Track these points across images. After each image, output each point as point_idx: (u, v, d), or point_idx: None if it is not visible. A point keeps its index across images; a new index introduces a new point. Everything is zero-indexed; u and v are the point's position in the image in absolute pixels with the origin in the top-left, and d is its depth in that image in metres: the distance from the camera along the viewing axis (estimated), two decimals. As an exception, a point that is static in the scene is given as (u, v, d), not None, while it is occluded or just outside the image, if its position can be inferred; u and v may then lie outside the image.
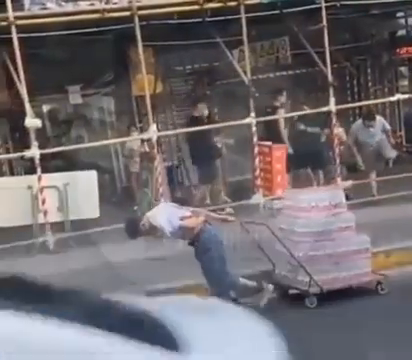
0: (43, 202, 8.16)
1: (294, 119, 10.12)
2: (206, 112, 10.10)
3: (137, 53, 8.77)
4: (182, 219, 6.02)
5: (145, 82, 8.98)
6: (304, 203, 6.39)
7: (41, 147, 8.28)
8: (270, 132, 9.94)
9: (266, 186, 9.47)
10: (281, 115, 9.96)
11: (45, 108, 11.52)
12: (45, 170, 8.34)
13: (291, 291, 6.45)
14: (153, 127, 8.90)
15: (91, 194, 8.53)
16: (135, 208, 9.40)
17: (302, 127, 9.93)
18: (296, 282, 6.34)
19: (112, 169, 11.70)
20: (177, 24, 8.97)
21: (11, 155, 10.44)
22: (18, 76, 8.12)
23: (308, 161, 9.82)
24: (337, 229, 6.34)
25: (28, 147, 8.36)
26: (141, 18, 8.41)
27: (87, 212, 8.54)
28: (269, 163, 9.55)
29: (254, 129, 9.08)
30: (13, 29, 7.95)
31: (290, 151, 9.72)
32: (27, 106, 8.11)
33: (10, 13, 7.96)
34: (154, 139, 8.91)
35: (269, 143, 9.66)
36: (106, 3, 8.68)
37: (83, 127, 11.68)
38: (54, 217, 8.32)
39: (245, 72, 9.17)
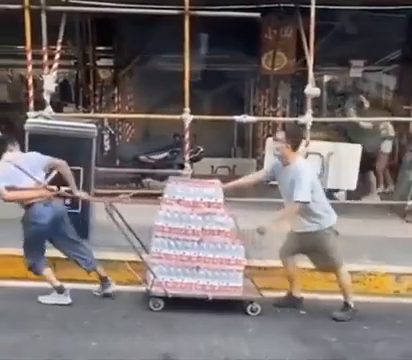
0: (306, 166, 8.61)
1: None
2: None
3: (429, 35, 8.67)
4: (12, 189, 5.50)
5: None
6: (167, 194, 5.60)
7: (315, 115, 8.60)
8: None
9: None
10: None
11: (326, 78, 11.95)
12: (313, 137, 8.77)
13: None
14: (427, 111, 8.81)
15: (352, 167, 8.77)
16: (392, 187, 9.48)
17: None
18: (147, 279, 5.71)
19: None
20: None
21: (286, 119, 11.17)
22: (308, 45, 8.52)
23: None
24: (205, 231, 5.51)
25: (303, 113, 8.82)
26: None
27: (344, 183, 8.85)
28: None
29: None
30: (313, 0, 8.35)
31: None
32: (310, 75, 8.47)
33: (315, -15, 8.32)
34: (426, 123, 8.85)
35: None
36: (410, -18, 8.66)
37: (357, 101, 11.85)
38: (313, 182, 8.74)
39: None
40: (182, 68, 8.07)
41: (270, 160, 8.87)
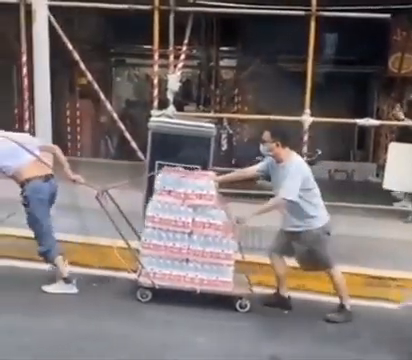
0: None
1: None
2: None
3: None
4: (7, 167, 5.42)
5: None
6: (158, 185, 5.53)
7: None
8: None
9: None
10: None
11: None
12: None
13: None
14: None
15: None
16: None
17: None
18: (137, 268, 5.62)
19: None
20: None
21: (398, 123, 10.70)
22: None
23: None
24: (196, 223, 5.40)
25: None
26: None
27: None
28: None
29: None
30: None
31: None
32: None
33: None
34: None
35: None
36: None
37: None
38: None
39: None
40: (305, 69, 7.98)
41: (393, 165, 8.69)
